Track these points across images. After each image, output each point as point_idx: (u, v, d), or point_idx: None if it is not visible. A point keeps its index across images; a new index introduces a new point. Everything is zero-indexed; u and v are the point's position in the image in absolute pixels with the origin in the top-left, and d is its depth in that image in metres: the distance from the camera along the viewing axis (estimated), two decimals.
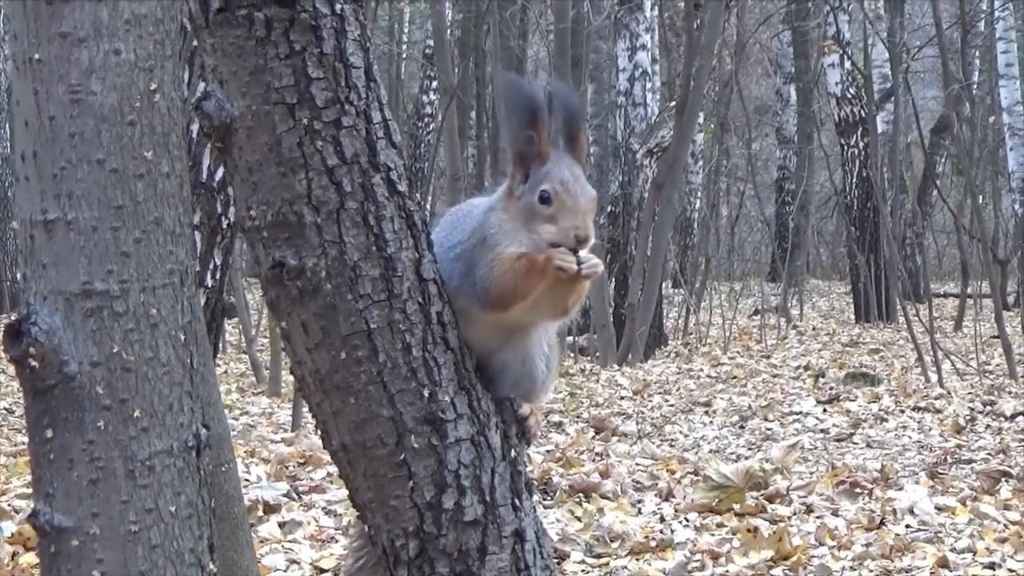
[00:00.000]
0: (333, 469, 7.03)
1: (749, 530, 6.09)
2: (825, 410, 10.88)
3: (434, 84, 24.74)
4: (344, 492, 5.91)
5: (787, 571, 5.72)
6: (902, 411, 10.73)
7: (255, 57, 2.99)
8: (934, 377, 12.54)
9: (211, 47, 3.04)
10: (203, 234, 6.09)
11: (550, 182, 3.15)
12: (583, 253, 3.16)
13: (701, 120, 21.17)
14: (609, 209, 18.51)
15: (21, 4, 2.74)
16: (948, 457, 8.60)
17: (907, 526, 6.42)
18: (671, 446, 9.26)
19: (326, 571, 5.63)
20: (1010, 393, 11.68)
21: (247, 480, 6.80)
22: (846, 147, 21.44)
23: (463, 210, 3.43)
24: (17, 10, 2.76)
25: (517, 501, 3.23)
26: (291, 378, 10.79)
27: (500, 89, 3.31)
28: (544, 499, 7.01)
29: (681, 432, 9.93)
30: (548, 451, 8.46)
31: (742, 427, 10.17)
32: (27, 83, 2.75)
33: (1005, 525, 6.42)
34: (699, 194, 26.23)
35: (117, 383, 2.75)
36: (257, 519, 6.22)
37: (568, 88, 3.49)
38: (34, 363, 2.72)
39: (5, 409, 10.71)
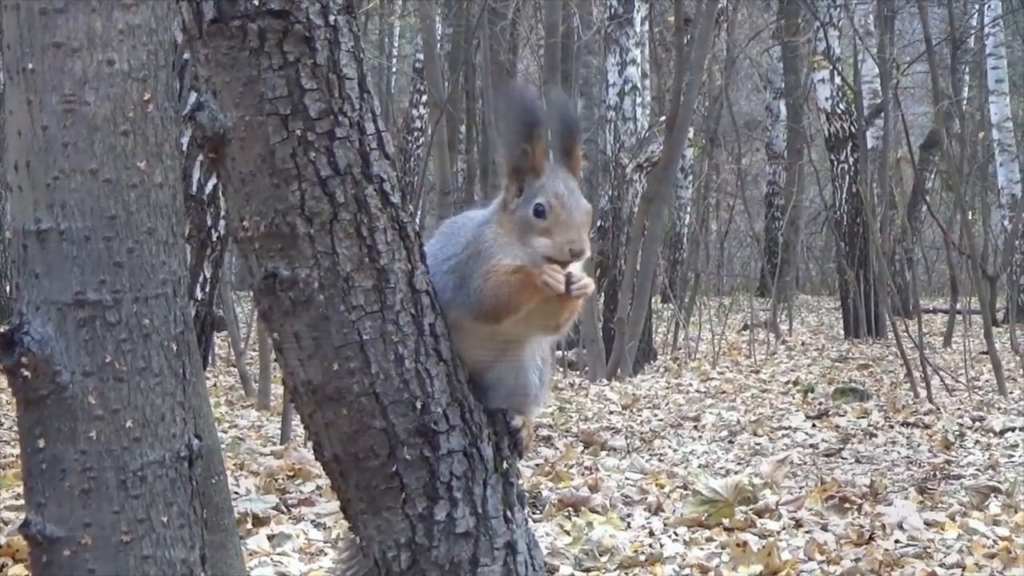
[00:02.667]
0: (322, 482, 7.05)
1: (738, 544, 6.09)
2: (814, 425, 10.88)
3: (424, 98, 24.73)
4: (333, 505, 5.91)
5: None
6: (891, 426, 10.74)
7: (248, 68, 2.99)
8: (923, 393, 12.53)
9: (204, 58, 3.03)
10: (193, 246, 6.07)
11: (544, 195, 3.14)
12: (575, 273, 3.15)
13: (691, 135, 21.21)
14: (599, 224, 18.49)
15: (15, 14, 2.74)
16: (937, 472, 8.60)
17: (896, 541, 6.42)
18: (660, 460, 9.24)
19: None
20: (999, 409, 11.69)
21: (236, 493, 6.79)
22: (836, 162, 21.43)
23: (458, 223, 3.42)
24: (10, 20, 2.76)
25: (509, 513, 3.23)
26: (280, 391, 10.66)
27: (500, 100, 3.29)
28: (533, 513, 7.00)
29: (670, 447, 9.92)
30: (537, 465, 8.46)
31: (731, 442, 10.16)
32: (20, 93, 2.75)
33: (994, 541, 6.43)
34: (689, 209, 26.27)
35: (109, 393, 2.75)
36: (246, 532, 6.21)
37: (566, 100, 3.48)
38: (26, 373, 2.72)
39: None
